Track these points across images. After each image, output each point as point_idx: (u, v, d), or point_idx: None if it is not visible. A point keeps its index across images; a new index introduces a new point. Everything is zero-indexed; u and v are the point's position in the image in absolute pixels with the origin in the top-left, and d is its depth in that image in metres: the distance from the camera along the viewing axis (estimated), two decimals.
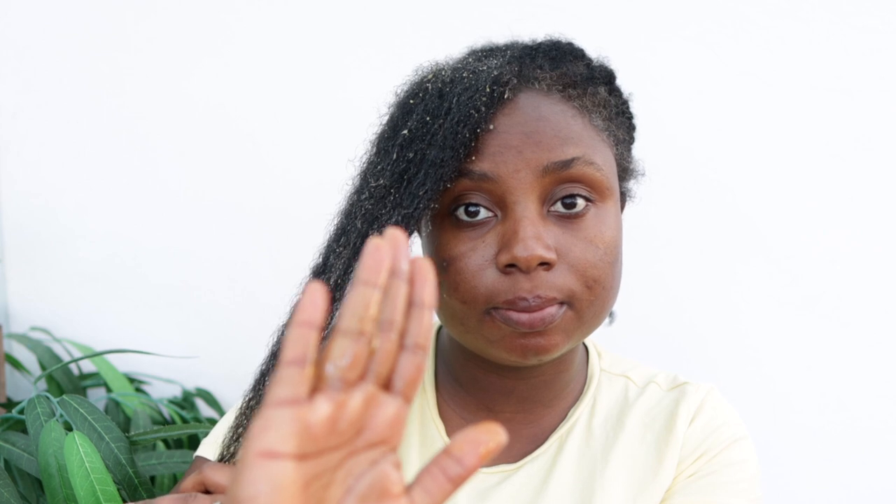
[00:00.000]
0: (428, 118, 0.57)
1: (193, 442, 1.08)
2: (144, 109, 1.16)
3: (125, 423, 1.02)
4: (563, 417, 0.69)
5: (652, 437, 0.67)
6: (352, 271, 0.52)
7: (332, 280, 0.57)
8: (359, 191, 0.59)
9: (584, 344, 0.73)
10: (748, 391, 1.08)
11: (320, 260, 0.58)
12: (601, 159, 0.60)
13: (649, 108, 1.06)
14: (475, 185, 0.58)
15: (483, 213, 0.59)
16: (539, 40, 0.66)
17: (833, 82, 1.02)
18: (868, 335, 1.06)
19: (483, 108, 0.57)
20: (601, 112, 0.63)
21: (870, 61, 1.01)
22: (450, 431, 0.69)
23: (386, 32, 1.09)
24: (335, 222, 0.59)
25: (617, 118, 0.65)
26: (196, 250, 1.18)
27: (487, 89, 0.57)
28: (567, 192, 0.58)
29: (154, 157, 1.16)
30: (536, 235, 0.56)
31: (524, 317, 0.58)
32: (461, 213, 0.59)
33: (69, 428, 0.76)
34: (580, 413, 0.69)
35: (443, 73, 0.60)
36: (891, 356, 1.06)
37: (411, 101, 0.59)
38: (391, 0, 1.09)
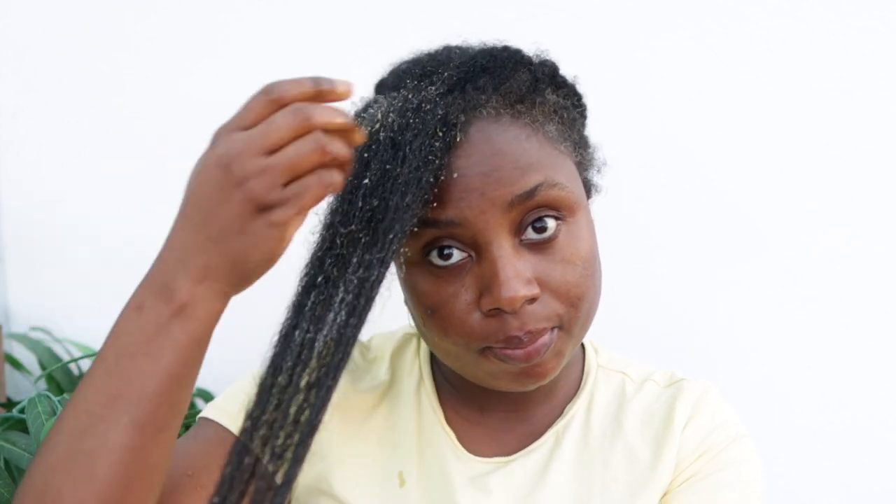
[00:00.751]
0: (387, 166, 0.56)
1: None
2: (144, 109, 1.16)
3: None
4: (559, 413, 0.69)
5: (650, 434, 0.67)
6: (322, 328, 0.52)
7: (302, 337, 0.54)
8: (328, 239, 0.57)
9: None
10: (748, 391, 1.08)
11: (290, 318, 0.55)
12: (563, 175, 0.59)
13: (649, 108, 1.06)
14: (444, 231, 0.58)
15: (457, 255, 0.58)
16: (474, 49, 0.64)
17: (833, 82, 1.02)
18: (868, 335, 1.06)
19: (439, 154, 0.56)
20: (553, 119, 0.61)
21: (870, 61, 1.01)
22: (448, 420, 0.69)
23: (386, 32, 1.09)
24: (303, 275, 0.57)
25: (568, 117, 0.63)
26: None
27: (439, 133, 0.56)
28: (536, 217, 0.58)
29: (154, 157, 1.16)
30: (516, 274, 0.56)
31: (519, 353, 0.58)
32: (434, 257, 0.59)
33: None
34: (577, 409, 0.69)
35: (389, 117, 0.58)
36: (891, 356, 1.06)
37: (366, 155, 0.57)
38: (391, 0, 1.09)
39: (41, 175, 1.19)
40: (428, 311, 0.60)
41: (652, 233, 1.08)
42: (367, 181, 0.56)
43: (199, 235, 0.50)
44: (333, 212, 0.56)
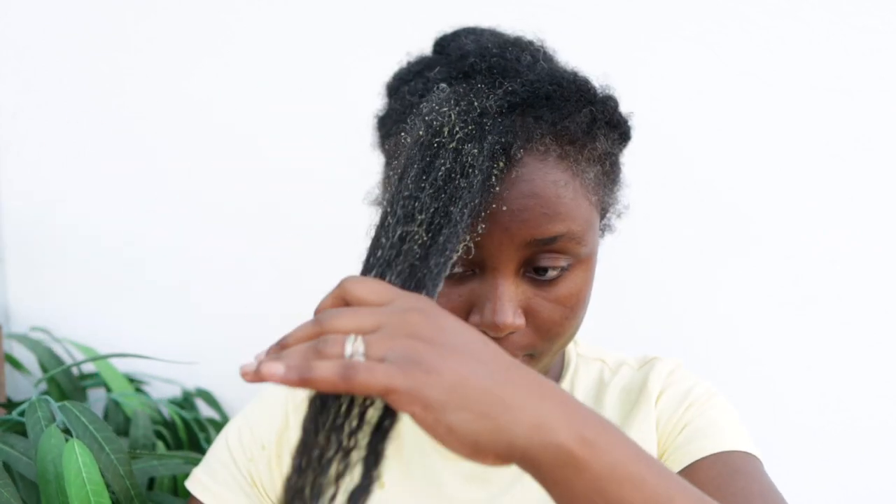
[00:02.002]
0: (451, 174, 0.55)
1: (193, 442, 1.08)
2: (144, 109, 1.16)
3: (125, 424, 1.02)
4: None
5: (628, 409, 0.70)
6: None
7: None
8: (385, 235, 0.55)
9: None
10: (748, 391, 1.08)
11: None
12: (585, 228, 0.60)
13: (649, 107, 1.06)
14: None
15: (459, 268, 0.60)
16: (540, 69, 0.62)
17: (833, 82, 1.02)
18: (868, 335, 1.06)
19: (495, 183, 0.56)
20: (595, 166, 0.62)
21: (870, 61, 1.01)
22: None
23: (386, 32, 1.09)
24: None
25: (610, 164, 0.64)
26: (196, 250, 1.18)
27: (500, 164, 0.56)
28: (544, 263, 0.60)
29: (154, 157, 1.16)
30: (510, 304, 0.58)
31: None
32: None
33: (69, 432, 0.75)
34: None
35: (454, 127, 0.57)
36: (891, 356, 1.06)
37: (429, 152, 0.56)
38: (391, 0, 1.09)
39: (41, 175, 1.19)
40: None
41: (652, 232, 1.08)
42: (431, 180, 0.55)
43: None
44: (392, 204, 0.55)
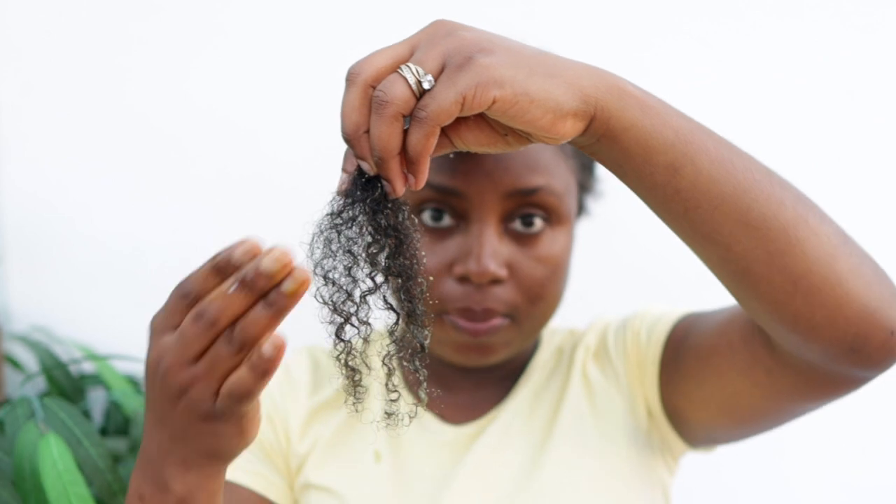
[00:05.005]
0: None
1: None
2: (144, 109, 1.16)
3: (125, 424, 1.02)
4: (519, 374, 0.74)
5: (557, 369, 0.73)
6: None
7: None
8: None
9: None
10: None
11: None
12: (563, 187, 0.64)
13: None
14: (443, 196, 0.62)
15: (447, 220, 0.63)
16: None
17: (833, 82, 1.02)
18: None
19: None
20: None
21: (870, 60, 1.01)
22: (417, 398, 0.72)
23: (386, 32, 1.09)
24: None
25: None
26: (196, 250, 1.17)
27: None
28: (526, 213, 0.63)
29: (155, 157, 1.16)
30: (493, 253, 0.61)
31: (470, 325, 0.63)
32: (426, 216, 0.63)
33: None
34: (533, 366, 0.74)
35: None
36: None
37: None
38: (391, 0, 1.09)
39: (41, 175, 1.19)
40: None
41: (650, 233, 1.08)
42: None
43: (163, 434, 0.46)
44: None
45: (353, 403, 0.48)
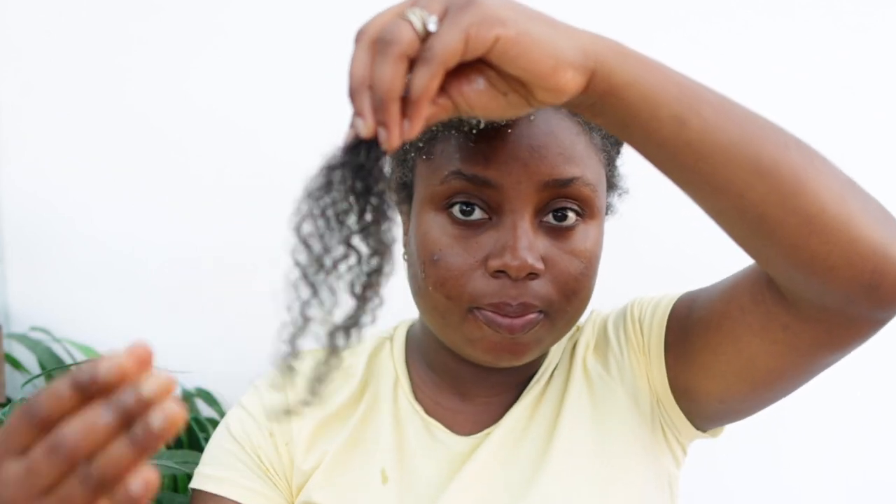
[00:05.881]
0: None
1: (193, 442, 1.08)
2: (144, 109, 1.16)
3: None
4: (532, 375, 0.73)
5: (592, 360, 0.71)
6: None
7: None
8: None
9: None
10: None
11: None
12: (596, 179, 0.63)
13: None
14: (475, 188, 0.60)
15: (477, 214, 0.61)
16: None
17: (825, 81, 1.02)
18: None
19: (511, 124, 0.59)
20: (600, 131, 0.64)
21: (866, 59, 1.01)
22: (429, 412, 0.70)
23: None
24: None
25: (611, 137, 0.66)
26: (197, 250, 1.18)
27: None
28: (560, 206, 0.61)
29: (154, 157, 1.16)
30: (529, 246, 0.59)
31: (506, 321, 0.61)
32: (456, 210, 0.61)
33: None
34: (545, 367, 0.72)
35: None
36: (891, 356, 1.06)
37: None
38: (391, 0, 1.09)
39: (41, 175, 1.19)
40: (433, 258, 0.62)
41: (650, 233, 1.08)
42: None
43: None
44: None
45: (316, 389, 0.46)
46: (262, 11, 1.12)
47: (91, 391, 0.37)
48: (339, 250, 0.46)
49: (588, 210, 0.62)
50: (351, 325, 0.46)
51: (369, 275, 0.46)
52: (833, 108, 1.03)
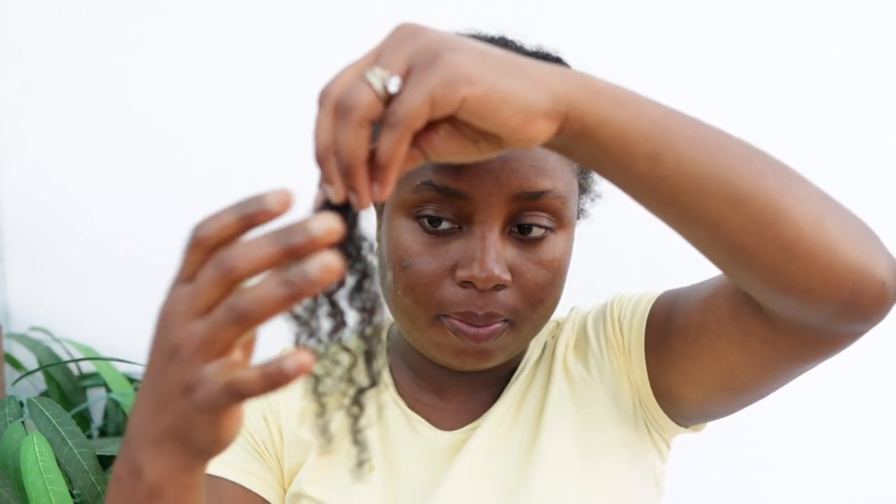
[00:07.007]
0: None
1: None
2: (144, 109, 1.16)
3: (125, 424, 1.02)
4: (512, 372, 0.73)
5: (573, 358, 0.72)
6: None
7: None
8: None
9: None
10: None
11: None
12: (567, 190, 0.63)
13: None
14: (446, 198, 0.60)
15: (445, 225, 0.61)
16: (528, 49, 0.65)
17: (824, 81, 1.02)
18: (867, 334, 1.05)
19: None
20: None
21: (861, 60, 1.01)
22: (411, 406, 0.71)
23: (385, 32, 1.09)
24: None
25: None
26: None
27: None
28: (529, 220, 0.61)
29: (154, 156, 1.17)
30: (497, 258, 0.59)
31: (472, 330, 0.62)
32: (424, 220, 0.62)
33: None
34: (525, 364, 0.73)
35: None
36: (891, 356, 1.06)
37: None
38: (391, 0, 1.09)
39: (41, 175, 1.19)
40: (402, 264, 0.62)
41: (649, 233, 1.08)
42: None
43: (148, 402, 0.42)
44: None
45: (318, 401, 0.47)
46: (262, 11, 1.12)
47: (256, 221, 0.39)
48: (330, 322, 0.46)
49: (558, 221, 0.63)
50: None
51: (362, 328, 0.46)
52: (833, 108, 1.03)
